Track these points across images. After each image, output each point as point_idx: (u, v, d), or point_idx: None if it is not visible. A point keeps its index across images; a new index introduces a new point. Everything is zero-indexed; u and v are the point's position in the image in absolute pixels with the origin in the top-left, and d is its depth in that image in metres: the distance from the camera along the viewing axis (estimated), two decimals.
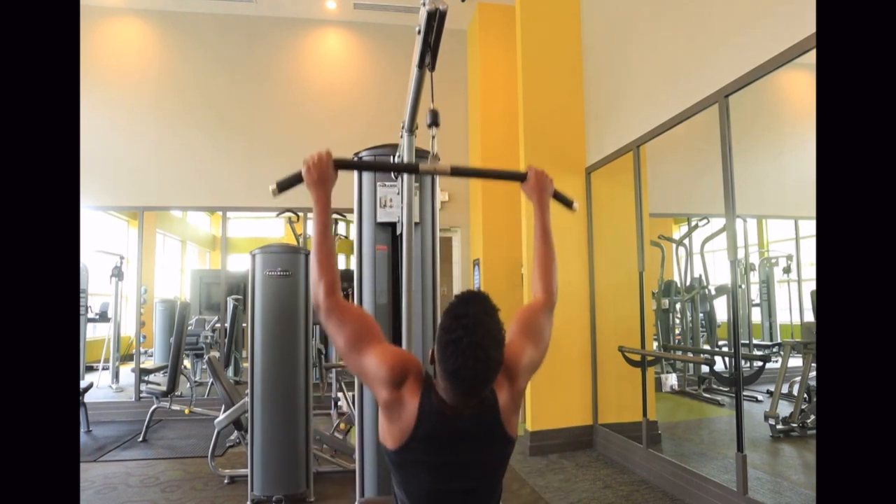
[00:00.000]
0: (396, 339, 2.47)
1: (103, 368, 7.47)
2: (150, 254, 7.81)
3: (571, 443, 4.69)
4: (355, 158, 2.61)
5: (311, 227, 1.30)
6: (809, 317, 6.03)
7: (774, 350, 6.18)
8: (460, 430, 1.17)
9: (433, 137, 1.68)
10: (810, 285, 6.34)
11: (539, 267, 1.50)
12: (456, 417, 1.17)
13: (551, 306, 1.42)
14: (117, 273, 7.21)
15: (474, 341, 1.08)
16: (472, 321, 1.10)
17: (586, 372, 4.82)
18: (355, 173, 2.63)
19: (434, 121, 1.67)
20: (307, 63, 6.83)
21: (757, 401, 5.46)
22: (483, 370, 1.09)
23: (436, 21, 1.56)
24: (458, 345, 1.08)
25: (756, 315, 7.06)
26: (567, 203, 1.65)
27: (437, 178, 2.72)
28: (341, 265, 8.04)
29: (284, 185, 1.41)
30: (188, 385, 6.47)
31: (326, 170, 1.36)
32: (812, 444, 4.34)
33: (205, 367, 6.94)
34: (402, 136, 2.11)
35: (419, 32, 1.61)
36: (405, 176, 2.18)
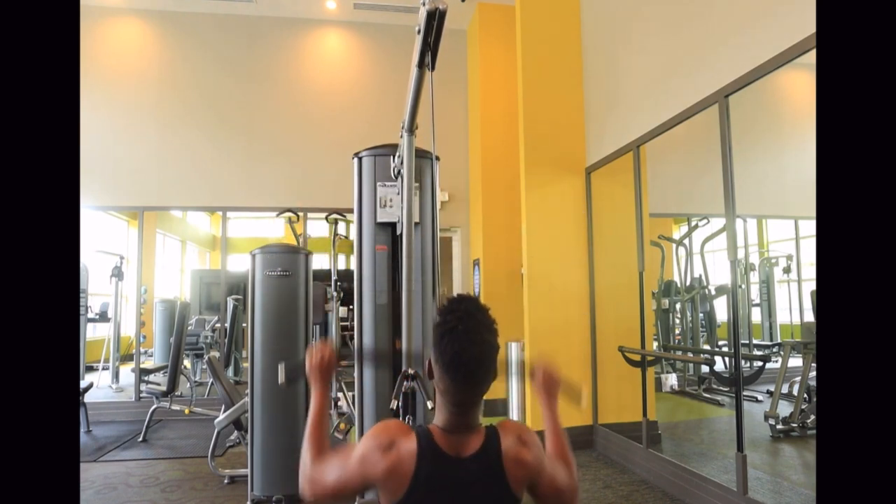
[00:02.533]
0: (397, 350, 2.47)
1: (103, 368, 7.47)
2: (150, 254, 7.81)
3: (571, 443, 4.66)
4: (354, 161, 2.61)
5: (310, 407, 1.32)
6: (809, 317, 6.04)
7: (774, 350, 6.18)
8: (461, 474, 1.15)
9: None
10: (810, 285, 6.34)
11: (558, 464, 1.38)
12: (456, 460, 1.16)
13: (574, 494, 1.34)
14: (117, 273, 7.21)
15: (469, 327, 1.13)
16: (464, 313, 1.15)
17: (586, 372, 4.82)
18: (355, 170, 2.63)
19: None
20: (307, 63, 6.83)
21: (757, 401, 5.46)
22: (479, 352, 1.12)
23: (436, 21, 1.56)
24: (454, 332, 1.13)
25: (756, 315, 7.06)
26: (574, 398, 1.57)
27: (437, 178, 2.71)
28: (341, 265, 8.03)
29: (292, 378, 1.47)
30: (188, 385, 6.47)
31: (329, 365, 1.38)
32: (812, 444, 4.34)
33: (205, 367, 6.94)
34: (401, 136, 2.11)
35: (419, 32, 1.61)
36: (405, 176, 2.19)
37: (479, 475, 1.16)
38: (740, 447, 3.10)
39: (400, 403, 1.88)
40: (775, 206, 6.19)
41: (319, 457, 1.27)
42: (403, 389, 1.90)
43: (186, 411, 5.18)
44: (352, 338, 2.84)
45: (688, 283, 6.74)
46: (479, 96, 6.50)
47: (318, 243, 7.05)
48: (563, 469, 1.31)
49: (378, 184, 2.54)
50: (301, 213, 5.86)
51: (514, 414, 5.57)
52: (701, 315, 6.62)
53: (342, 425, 4.20)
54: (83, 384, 5.38)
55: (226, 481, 3.89)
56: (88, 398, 5.58)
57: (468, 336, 1.12)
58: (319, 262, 4.26)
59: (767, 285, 6.95)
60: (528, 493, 1.24)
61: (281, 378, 1.47)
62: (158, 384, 5.76)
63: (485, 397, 1.24)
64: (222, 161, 6.51)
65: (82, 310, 6.97)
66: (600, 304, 4.84)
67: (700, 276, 6.64)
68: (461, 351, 1.11)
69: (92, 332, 7.98)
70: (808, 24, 2.69)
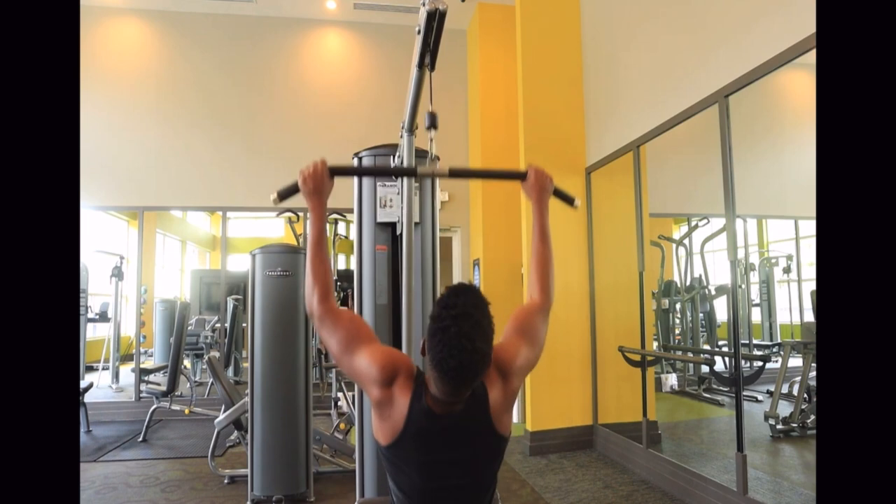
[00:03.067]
0: (396, 339, 2.47)
1: (103, 368, 7.47)
2: (150, 254, 7.81)
3: (571, 443, 4.69)
4: (354, 161, 2.62)
5: (308, 229, 1.36)
6: (809, 317, 6.03)
7: (774, 350, 6.18)
8: (450, 427, 1.18)
9: (431, 140, 1.69)
10: (810, 285, 6.34)
11: (536, 268, 1.47)
12: (445, 416, 1.18)
13: (548, 308, 1.42)
14: (117, 273, 7.21)
15: (461, 331, 1.08)
16: (460, 311, 1.11)
17: (586, 372, 4.82)
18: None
19: (432, 123, 1.67)
20: (307, 63, 6.83)
21: (757, 401, 5.46)
22: (469, 360, 1.08)
23: (436, 21, 1.56)
24: (445, 333, 1.09)
25: (756, 315, 7.06)
26: (568, 200, 1.63)
27: (437, 179, 2.72)
28: (341, 265, 8.04)
29: (284, 194, 1.46)
30: (188, 385, 6.47)
31: (322, 179, 1.40)
32: (812, 444, 4.34)
33: (205, 367, 6.94)
34: (401, 137, 2.11)
35: (419, 32, 1.61)
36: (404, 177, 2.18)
37: (466, 427, 1.20)
38: (740, 447, 3.10)
39: None
40: (775, 206, 6.18)
41: (325, 301, 1.30)
42: None
43: (186, 411, 5.17)
44: None
45: (688, 283, 6.74)
46: (479, 96, 6.50)
47: None
48: (538, 321, 1.37)
49: (378, 184, 2.54)
50: (301, 213, 5.86)
51: (513, 413, 5.57)
52: (701, 315, 6.62)
53: (342, 425, 4.21)
54: (83, 384, 5.38)
55: (226, 481, 3.90)
56: (88, 398, 5.58)
57: (459, 341, 1.08)
58: None
59: (767, 285, 6.95)
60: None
61: (273, 195, 1.46)
62: (158, 384, 5.76)
63: None
64: (222, 161, 6.51)
65: (82, 310, 6.97)
66: (600, 304, 4.84)
67: (700, 276, 6.63)
68: (448, 357, 1.08)
69: (92, 332, 7.98)
70: (808, 24, 2.69)
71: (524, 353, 1.30)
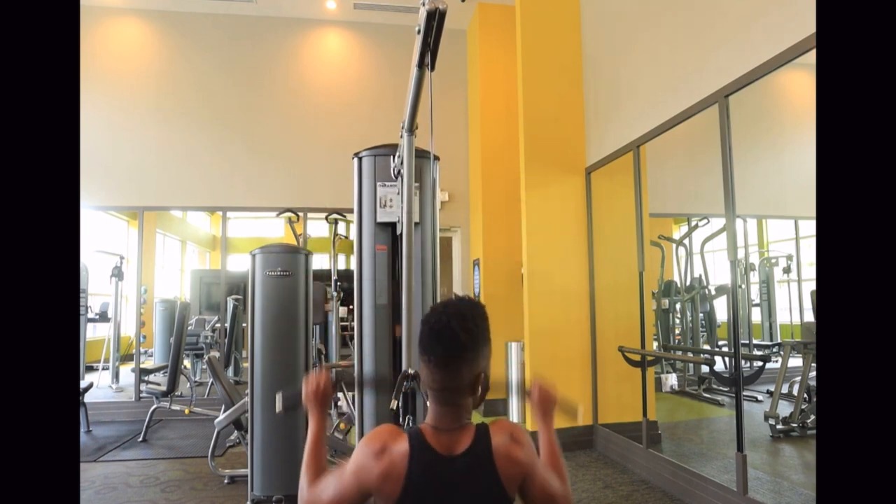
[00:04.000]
0: (396, 339, 2.47)
1: (103, 368, 7.48)
2: (150, 254, 7.82)
3: (571, 443, 4.69)
4: (354, 161, 2.61)
5: (309, 431, 1.34)
6: (809, 317, 6.04)
7: (774, 350, 6.18)
8: (452, 472, 1.16)
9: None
10: (810, 285, 6.34)
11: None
12: (448, 459, 1.16)
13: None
14: (117, 273, 7.21)
15: (450, 313, 1.17)
16: (453, 307, 1.20)
17: (586, 372, 4.82)
18: (355, 170, 2.63)
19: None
20: (307, 63, 6.83)
21: (757, 401, 5.46)
22: (446, 336, 1.15)
23: (435, 21, 1.56)
24: (430, 320, 1.18)
25: (756, 315, 7.06)
26: (571, 412, 1.55)
27: (438, 179, 2.71)
28: (341, 265, 8.04)
29: (289, 406, 1.48)
30: (188, 385, 6.48)
31: (326, 394, 1.40)
32: (812, 444, 4.34)
33: (205, 367, 6.94)
34: (401, 136, 2.11)
35: (419, 32, 1.61)
36: (405, 176, 2.19)
37: (470, 472, 1.17)
38: (740, 447, 3.10)
39: (400, 404, 1.88)
40: (775, 206, 6.19)
41: (315, 481, 1.27)
42: (403, 389, 1.90)
43: (186, 411, 5.18)
44: (352, 338, 2.84)
45: (688, 283, 6.74)
46: (479, 96, 6.50)
47: (318, 243, 7.05)
48: (556, 478, 1.30)
49: (378, 184, 2.54)
50: (301, 213, 5.86)
51: (513, 414, 5.57)
52: (701, 315, 6.62)
53: (342, 425, 4.20)
54: (83, 384, 5.38)
55: (226, 481, 3.90)
56: (88, 398, 5.58)
57: (441, 321, 1.16)
58: (319, 262, 4.26)
59: (767, 285, 6.95)
60: (520, 496, 1.23)
61: (278, 407, 1.47)
62: (158, 384, 5.76)
63: (485, 398, 1.25)
64: (222, 161, 6.51)
65: (82, 310, 6.97)
66: (600, 304, 4.84)
67: (700, 276, 6.64)
68: (430, 332, 1.16)
69: (92, 332, 7.98)
70: (808, 24, 2.69)
71: (537, 463, 1.26)
